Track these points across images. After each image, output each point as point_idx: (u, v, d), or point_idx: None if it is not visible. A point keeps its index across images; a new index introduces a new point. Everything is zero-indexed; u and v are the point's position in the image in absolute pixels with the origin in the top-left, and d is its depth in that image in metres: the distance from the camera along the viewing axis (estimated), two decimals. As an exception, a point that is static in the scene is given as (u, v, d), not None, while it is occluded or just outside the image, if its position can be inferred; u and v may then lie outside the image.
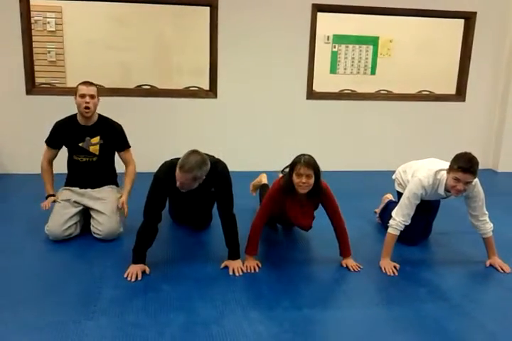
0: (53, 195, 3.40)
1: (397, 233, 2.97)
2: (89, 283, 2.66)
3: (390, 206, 3.65)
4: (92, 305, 2.44)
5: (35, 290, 2.58)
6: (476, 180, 2.90)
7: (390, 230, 2.99)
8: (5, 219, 3.64)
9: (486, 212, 3.00)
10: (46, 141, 3.47)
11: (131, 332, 2.22)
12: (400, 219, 2.96)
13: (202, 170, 2.70)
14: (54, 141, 3.44)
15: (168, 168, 2.87)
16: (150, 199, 2.87)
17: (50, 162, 3.49)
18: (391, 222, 3.00)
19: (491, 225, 3.01)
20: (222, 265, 2.92)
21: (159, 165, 3.01)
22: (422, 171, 3.07)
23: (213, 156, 3.05)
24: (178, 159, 2.84)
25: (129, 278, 2.71)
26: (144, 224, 2.83)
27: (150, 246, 2.85)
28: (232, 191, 2.93)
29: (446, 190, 2.93)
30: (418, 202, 3.00)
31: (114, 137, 3.44)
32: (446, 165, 2.96)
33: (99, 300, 2.50)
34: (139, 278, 2.73)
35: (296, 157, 2.84)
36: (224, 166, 2.97)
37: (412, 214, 2.99)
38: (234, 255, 2.93)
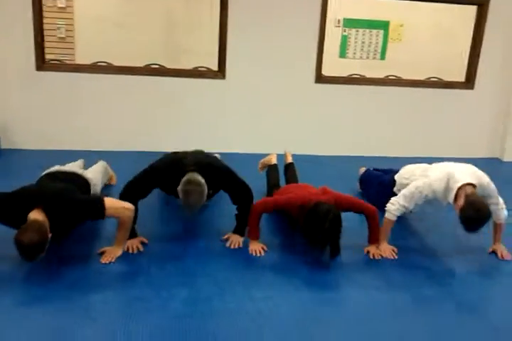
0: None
1: (395, 218, 2.99)
2: (93, 260, 2.70)
3: (370, 174, 3.82)
4: (97, 280, 2.51)
5: (41, 263, 2.59)
6: (488, 180, 2.93)
7: (387, 215, 2.99)
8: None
9: (501, 200, 3.00)
10: None
11: (135, 306, 2.29)
12: (398, 206, 2.95)
13: (204, 195, 2.72)
14: None
15: (169, 164, 2.90)
16: (134, 185, 2.87)
17: None
18: (390, 206, 2.99)
19: (506, 213, 3.02)
20: (225, 236, 3.00)
21: (161, 156, 3.05)
22: (436, 175, 2.96)
23: (208, 155, 3.07)
24: (180, 156, 2.91)
25: (130, 251, 2.78)
26: None
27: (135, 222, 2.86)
28: (239, 180, 2.98)
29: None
30: (420, 202, 2.98)
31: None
32: (463, 175, 2.87)
33: (104, 275, 2.57)
34: (141, 250, 2.81)
35: (320, 214, 2.64)
36: (222, 167, 2.98)
37: (411, 208, 2.99)
38: (239, 231, 3.00)
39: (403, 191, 3.03)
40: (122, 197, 2.84)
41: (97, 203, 2.61)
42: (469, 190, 2.78)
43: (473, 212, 2.67)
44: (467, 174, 2.88)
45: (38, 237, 2.29)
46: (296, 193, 2.99)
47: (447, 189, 2.87)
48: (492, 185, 2.96)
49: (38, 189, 2.61)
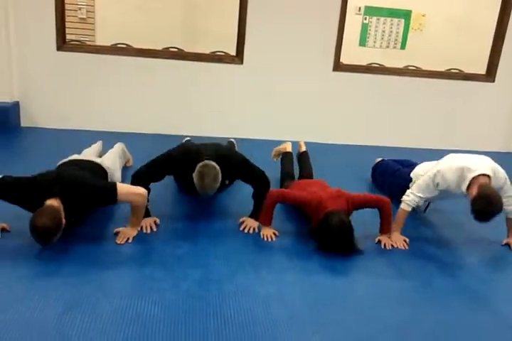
0: None
1: (410, 209, 2.99)
2: (108, 239, 2.75)
3: (385, 163, 3.81)
4: (112, 258, 2.56)
5: (57, 241, 2.67)
6: (504, 173, 2.90)
7: (402, 205, 3.00)
8: (28, 171, 3.74)
9: None
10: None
11: (148, 284, 2.33)
12: (413, 197, 2.96)
13: (218, 179, 2.76)
14: None
15: (185, 154, 2.95)
16: (148, 169, 2.92)
17: None
18: (405, 197, 3.00)
19: None
20: (240, 220, 3.05)
21: (177, 145, 3.09)
22: (449, 164, 2.95)
23: (225, 147, 3.13)
24: (197, 146, 2.98)
25: (144, 231, 2.84)
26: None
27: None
28: (256, 169, 3.03)
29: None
30: (435, 193, 2.96)
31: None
32: (478, 166, 2.83)
33: (118, 253, 2.62)
34: (154, 230, 2.86)
35: (333, 229, 2.70)
36: (237, 158, 3.02)
37: (428, 197, 2.99)
38: (255, 216, 3.03)
39: (417, 182, 3.04)
40: (135, 177, 2.90)
41: (110, 189, 2.64)
42: (483, 180, 2.76)
43: (486, 204, 2.65)
44: (483, 165, 2.86)
45: (51, 223, 2.34)
46: (313, 192, 3.00)
47: (461, 178, 2.85)
48: (507, 180, 2.93)
49: (55, 178, 2.61)
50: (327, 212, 2.77)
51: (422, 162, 3.54)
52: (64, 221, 2.45)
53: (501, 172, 2.91)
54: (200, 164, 2.77)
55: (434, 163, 3.31)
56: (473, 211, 2.71)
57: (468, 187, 2.80)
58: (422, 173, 3.20)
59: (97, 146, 3.74)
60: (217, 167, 2.77)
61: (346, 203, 2.90)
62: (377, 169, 3.96)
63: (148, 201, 2.88)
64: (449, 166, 2.92)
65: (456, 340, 2.16)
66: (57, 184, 2.54)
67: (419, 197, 2.97)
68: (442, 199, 3.25)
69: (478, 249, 3.07)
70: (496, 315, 2.37)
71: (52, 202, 2.46)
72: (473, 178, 2.78)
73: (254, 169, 3.04)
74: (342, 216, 2.76)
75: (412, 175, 3.41)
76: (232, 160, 2.98)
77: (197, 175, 2.74)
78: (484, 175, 2.79)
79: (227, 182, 2.98)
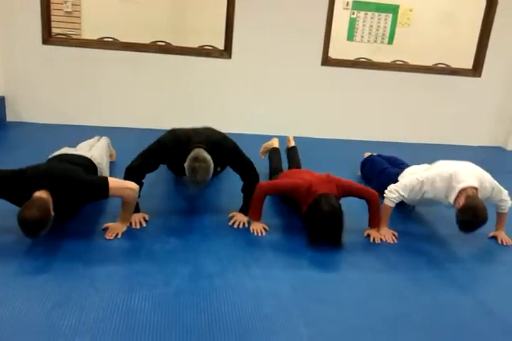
0: None
1: (393, 205, 3.01)
2: (97, 235, 2.73)
3: (374, 160, 3.83)
4: (101, 253, 2.54)
5: (46, 237, 2.61)
6: (491, 179, 2.93)
7: (386, 202, 3.02)
8: (14, 166, 3.69)
9: (505, 192, 3.02)
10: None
11: (139, 279, 2.32)
12: (398, 195, 2.97)
13: (210, 172, 2.74)
14: None
15: (175, 141, 2.91)
16: (141, 160, 2.90)
17: None
18: (389, 194, 3.00)
19: (510, 203, 3.04)
20: (230, 214, 3.04)
21: (167, 131, 3.02)
22: (439, 172, 2.95)
23: (217, 133, 3.06)
24: (188, 132, 2.91)
25: (133, 226, 2.83)
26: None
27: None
28: (245, 159, 3.02)
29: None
30: (418, 198, 2.99)
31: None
32: (466, 177, 2.85)
33: (108, 249, 2.60)
34: (144, 225, 2.86)
35: (323, 212, 2.68)
36: (229, 146, 2.98)
37: (410, 199, 3.01)
38: (245, 211, 3.03)
39: (404, 181, 3.04)
40: (129, 170, 2.88)
41: (101, 184, 2.62)
42: (471, 191, 2.80)
43: (471, 217, 2.70)
44: (471, 175, 2.88)
45: (40, 214, 2.31)
46: (302, 178, 3.00)
47: (449, 188, 2.89)
48: (495, 184, 2.96)
49: (45, 171, 2.58)
50: (317, 196, 2.76)
51: (409, 165, 3.55)
52: (53, 213, 2.42)
53: (488, 181, 2.93)
54: (191, 156, 2.73)
55: (422, 166, 3.33)
56: (458, 221, 2.77)
57: (456, 197, 2.84)
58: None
59: (91, 141, 3.65)
60: (208, 157, 2.74)
61: (336, 188, 2.89)
62: (367, 164, 3.97)
63: (139, 197, 2.86)
64: (438, 174, 2.94)
65: (447, 331, 2.18)
66: (47, 177, 2.50)
67: (403, 196, 2.99)
68: (426, 206, 3.30)
69: (465, 242, 3.09)
70: (482, 305, 2.39)
71: (41, 194, 2.42)
72: (461, 189, 2.81)
73: (243, 159, 3.02)
74: (332, 200, 2.75)
75: (399, 178, 3.37)
76: (223, 148, 2.94)
77: (188, 169, 2.72)
78: (472, 187, 2.82)
79: (219, 168, 2.95)
